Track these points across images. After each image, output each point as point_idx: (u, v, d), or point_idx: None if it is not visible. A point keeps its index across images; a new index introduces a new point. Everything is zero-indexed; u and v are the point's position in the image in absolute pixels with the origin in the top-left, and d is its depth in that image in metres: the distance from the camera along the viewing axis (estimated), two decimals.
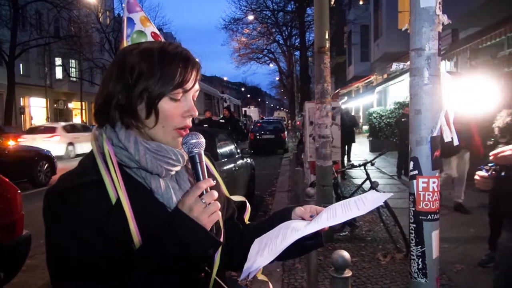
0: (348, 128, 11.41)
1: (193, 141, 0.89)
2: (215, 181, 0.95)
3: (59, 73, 32.81)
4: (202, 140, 0.90)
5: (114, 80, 0.88)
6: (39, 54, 28.48)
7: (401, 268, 4.01)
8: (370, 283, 3.75)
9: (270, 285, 1.24)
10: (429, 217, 1.17)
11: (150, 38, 0.98)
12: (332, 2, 22.50)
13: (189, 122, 0.92)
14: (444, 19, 1.11)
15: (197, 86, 0.92)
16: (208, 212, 0.82)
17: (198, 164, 0.88)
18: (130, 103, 0.87)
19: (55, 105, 32.91)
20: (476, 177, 2.16)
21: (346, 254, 1.97)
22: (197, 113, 0.92)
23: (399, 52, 15.48)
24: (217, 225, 0.93)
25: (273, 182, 9.65)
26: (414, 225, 1.19)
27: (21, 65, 27.31)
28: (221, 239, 0.96)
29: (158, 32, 1.01)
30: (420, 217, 1.17)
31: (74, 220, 0.82)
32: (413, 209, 1.19)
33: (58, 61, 32.03)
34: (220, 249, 0.95)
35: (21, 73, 27.57)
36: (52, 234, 0.86)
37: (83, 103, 35.16)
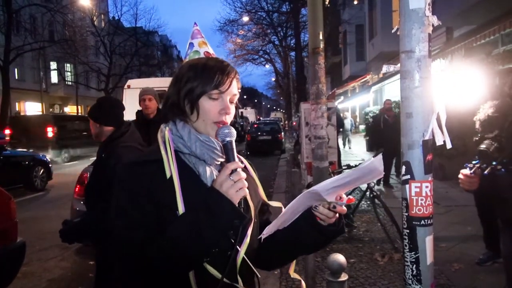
0: (394, 131, 7.83)
1: (226, 131, 1.06)
2: (253, 181, 1.23)
3: (54, 77, 32.65)
4: (233, 131, 1.07)
5: (171, 89, 1.14)
6: (34, 59, 28.33)
7: (399, 268, 3.99)
8: (368, 284, 3.73)
9: (303, 283, 1.35)
10: (422, 222, 1.14)
11: (202, 56, 1.22)
12: (327, 2, 22.48)
13: (225, 118, 1.10)
14: (434, 20, 1.10)
15: (234, 91, 1.13)
16: (235, 187, 0.99)
17: (230, 150, 1.05)
18: (179, 101, 1.11)
19: (50, 110, 32.71)
20: (460, 176, 2.03)
21: (341, 258, 1.95)
22: (231, 112, 1.11)
23: (395, 51, 15.45)
24: (249, 212, 1.11)
25: (270, 184, 9.62)
26: (408, 231, 1.16)
27: (16, 69, 27.15)
28: (252, 224, 1.11)
29: (211, 52, 1.24)
30: (413, 223, 1.15)
31: (135, 184, 1.05)
32: (406, 214, 1.17)
33: (53, 65, 31.88)
34: (250, 231, 1.09)
35: (16, 77, 27.41)
36: (119, 194, 1.08)
37: (79, 106, 35.00)
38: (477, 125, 2.34)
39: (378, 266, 4.10)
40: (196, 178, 1.08)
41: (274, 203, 1.30)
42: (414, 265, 1.14)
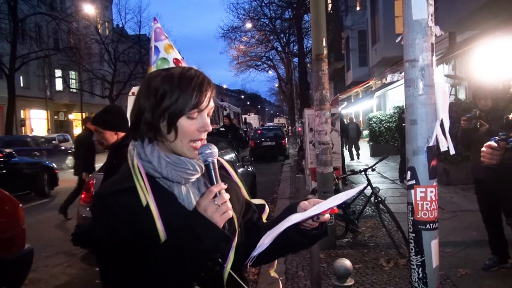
0: None
1: (208, 151, 1.04)
2: (235, 184, 1.20)
3: (59, 84, 32.91)
4: (215, 150, 1.05)
5: (143, 101, 1.06)
6: (39, 66, 28.57)
7: (405, 273, 3.99)
8: None
9: (280, 283, 1.40)
10: (428, 226, 1.17)
11: (172, 64, 1.12)
12: (329, 9, 22.61)
13: (203, 136, 1.07)
14: (437, 30, 1.13)
15: (211, 104, 1.07)
16: (220, 211, 0.97)
17: (212, 170, 1.03)
18: (155, 120, 1.04)
19: (55, 117, 32.97)
20: (484, 148, 1.96)
21: (348, 263, 1.97)
22: (210, 128, 1.07)
23: (397, 57, 15.54)
24: (232, 224, 1.09)
25: (274, 189, 9.63)
26: (413, 235, 1.19)
27: (21, 77, 27.41)
28: (236, 237, 1.10)
29: (180, 58, 1.14)
30: (419, 227, 1.18)
31: (111, 218, 1.01)
32: (412, 218, 1.20)
33: (58, 72, 32.13)
34: (234, 245, 1.08)
35: (21, 85, 27.65)
36: (96, 228, 1.06)
37: (84, 114, 35.20)
38: None
39: (383, 272, 4.10)
40: (174, 200, 1.06)
41: (257, 201, 1.31)
42: (420, 268, 1.17)
